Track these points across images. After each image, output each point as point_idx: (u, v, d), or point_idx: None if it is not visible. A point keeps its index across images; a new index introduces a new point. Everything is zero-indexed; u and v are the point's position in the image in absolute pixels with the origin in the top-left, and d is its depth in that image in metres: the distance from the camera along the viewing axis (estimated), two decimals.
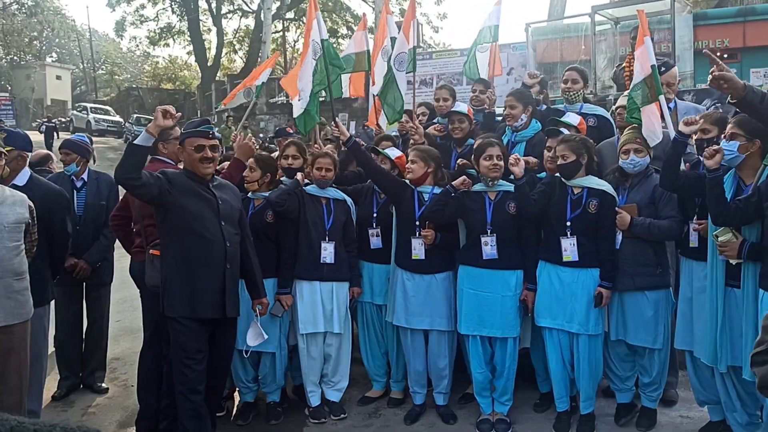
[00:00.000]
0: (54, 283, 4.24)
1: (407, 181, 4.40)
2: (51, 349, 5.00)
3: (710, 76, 3.02)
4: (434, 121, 5.54)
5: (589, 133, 4.75)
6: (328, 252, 4.35)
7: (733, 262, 3.39)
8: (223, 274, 3.63)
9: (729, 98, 3.14)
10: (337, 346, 4.47)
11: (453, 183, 4.20)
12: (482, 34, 6.33)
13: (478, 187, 4.24)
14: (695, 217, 3.76)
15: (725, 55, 19.28)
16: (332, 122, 4.60)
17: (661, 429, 4.06)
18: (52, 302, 4.27)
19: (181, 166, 3.90)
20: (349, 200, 4.58)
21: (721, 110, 5.44)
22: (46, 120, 23.72)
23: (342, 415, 4.45)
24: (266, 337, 4.07)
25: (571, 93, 5.02)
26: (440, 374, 4.37)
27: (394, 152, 4.67)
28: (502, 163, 4.12)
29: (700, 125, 3.74)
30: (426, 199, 4.32)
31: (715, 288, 3.52)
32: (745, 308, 3.36)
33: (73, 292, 4.95)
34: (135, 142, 3.34)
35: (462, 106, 4.90)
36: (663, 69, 4.19)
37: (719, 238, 3.37)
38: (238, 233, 3.79)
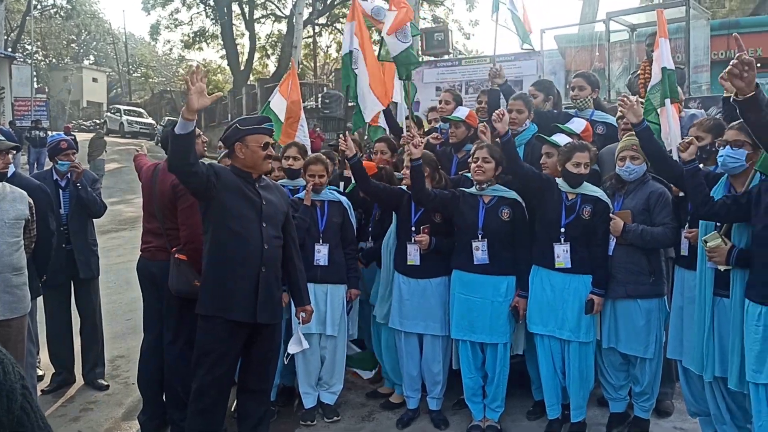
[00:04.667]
0: (43, 282, 4.34)
1: (404, 188, 4.41)
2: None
3: (734, 61, 2.72)
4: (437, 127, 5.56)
5: (597, 140, 4.72)
6: (321, 254, 4.38)
7: (721, 268, 3.32)
8: (257, 277, 3.54)
9: (734, 95, 2.84)
10: (332, 349, 4.48)
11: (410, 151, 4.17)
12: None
13: (473, 189, 4.24)
14: (687, 225, 3.71)
15: (758, 65, 18.99)
16: (341, 135, 4.60)
17: None
18: (40, 299, 4.35)
19: None
20: (345, 202, 4.59)
21: None
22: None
23: (335, 418, 4.46)
24: (307, 346, 4.06)
25: (579, 100, 5.00)
26: (434, 379, 4.36)
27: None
28: (489, 165, 4.10)
29: (693, 132, 3.71)
30: None
31: (703, 296, 3.46)
32: (732, 318, 3.30)
33: (61, 288, 5.03)
34: (175, 131, 3.26)
35: (461, 111, 4.90)
36: None
37: (708, 244, 3.31)
38: (279, 237, 3.69)
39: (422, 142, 4.22)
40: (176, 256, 3.95)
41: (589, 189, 3.99)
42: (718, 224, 3.44)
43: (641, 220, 3.86)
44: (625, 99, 3.78)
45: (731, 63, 2.71)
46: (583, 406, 4.05)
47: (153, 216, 4.20)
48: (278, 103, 5.70)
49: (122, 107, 36.10)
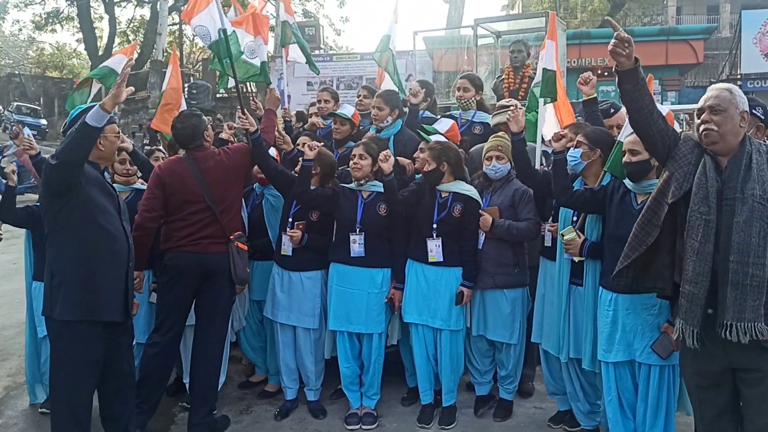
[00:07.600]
0: None
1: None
2: None
3: (614, 41, 2.78)
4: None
5: (474, 140, 4.96)
6: None
7: (576, 259, 3.68)
8: (126, 274, 3.42)
9: (615, 66, 2.87)
10: None
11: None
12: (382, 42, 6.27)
13: (352, 185, 4.37)
14: (550, 219, 4.05)
15: (605, 73, 20.51)
16: (239, 111, 4.52)
17: (516, 419, 4.32)
18: None
19: None
20: None
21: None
22: None
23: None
24: None
25: (463, 100, 5.26)
26: (308, 371, 4.44)
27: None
28: (364, 162, 4.24)
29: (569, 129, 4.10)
30: None
31: (560, 285, 3.82)
32: (585, 304, 3.67)
33: None
34: (90, 121, 3.03)
35: (347, 109, 5.02)
36: (612, 111, 4.40)
37: (564, 237, 3.67)
38: (130, 230, 3.61)
39: (318, 146, 4.31)
40: (236, 244, 3.97)
41: (462, 188, 4.22)
42: (574, 219, 3.80)
43: (508, 216, 4.15)
44: (515, 110, 4.02)
45: (612, 43, 2.80)
46: (453, 390, 4.30)
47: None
48: (117, 61, 5.58)
49: None
